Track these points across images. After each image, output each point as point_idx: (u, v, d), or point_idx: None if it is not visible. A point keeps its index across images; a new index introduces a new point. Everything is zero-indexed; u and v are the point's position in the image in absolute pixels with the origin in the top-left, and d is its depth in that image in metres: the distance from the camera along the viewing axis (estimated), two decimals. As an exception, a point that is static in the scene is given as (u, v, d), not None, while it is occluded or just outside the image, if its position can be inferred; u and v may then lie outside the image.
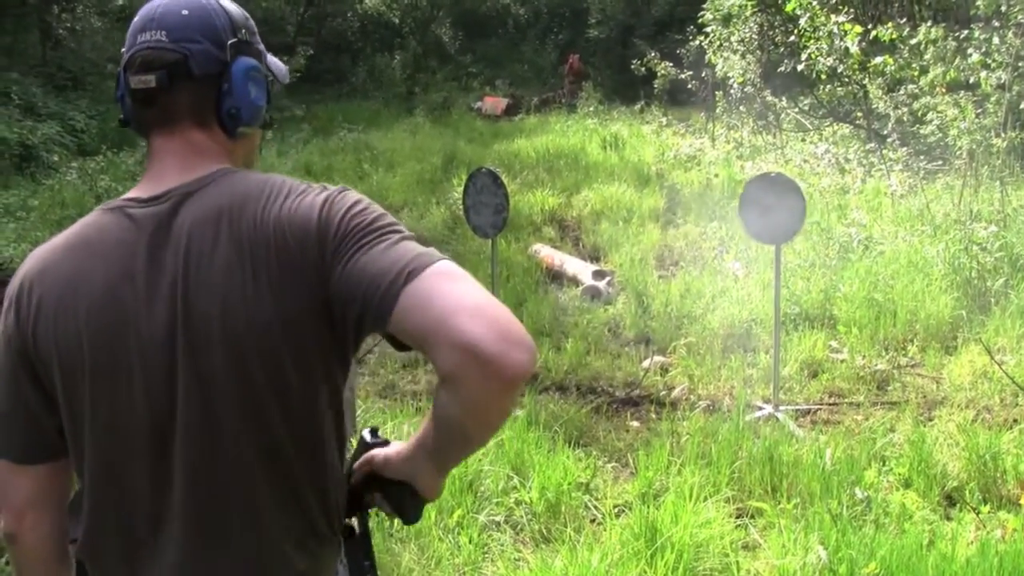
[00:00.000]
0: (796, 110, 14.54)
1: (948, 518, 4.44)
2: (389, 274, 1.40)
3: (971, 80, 9.55)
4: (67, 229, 1.64)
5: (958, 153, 9.42)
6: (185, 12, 1.60)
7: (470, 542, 4.15)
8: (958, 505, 4.52)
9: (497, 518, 4.45)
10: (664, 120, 18.03)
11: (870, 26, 11.05)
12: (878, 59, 10.37)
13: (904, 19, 11.88)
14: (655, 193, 11.92)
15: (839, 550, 3.88)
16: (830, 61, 10.82)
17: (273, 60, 1.77)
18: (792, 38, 12.26)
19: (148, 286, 1.52)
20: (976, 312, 6.92)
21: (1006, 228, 7.87)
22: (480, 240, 7.94)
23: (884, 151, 10.86)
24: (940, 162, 10.87)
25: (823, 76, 11.36)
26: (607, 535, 4.24)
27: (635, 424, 5.81)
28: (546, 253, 9.41)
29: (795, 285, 7.59)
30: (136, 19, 1.63)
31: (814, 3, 10.79)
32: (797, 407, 5.88)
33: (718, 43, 15.37)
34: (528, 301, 7.96)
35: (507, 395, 1.39)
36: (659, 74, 17.79)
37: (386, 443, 1.70)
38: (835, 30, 10.57)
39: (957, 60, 9.85)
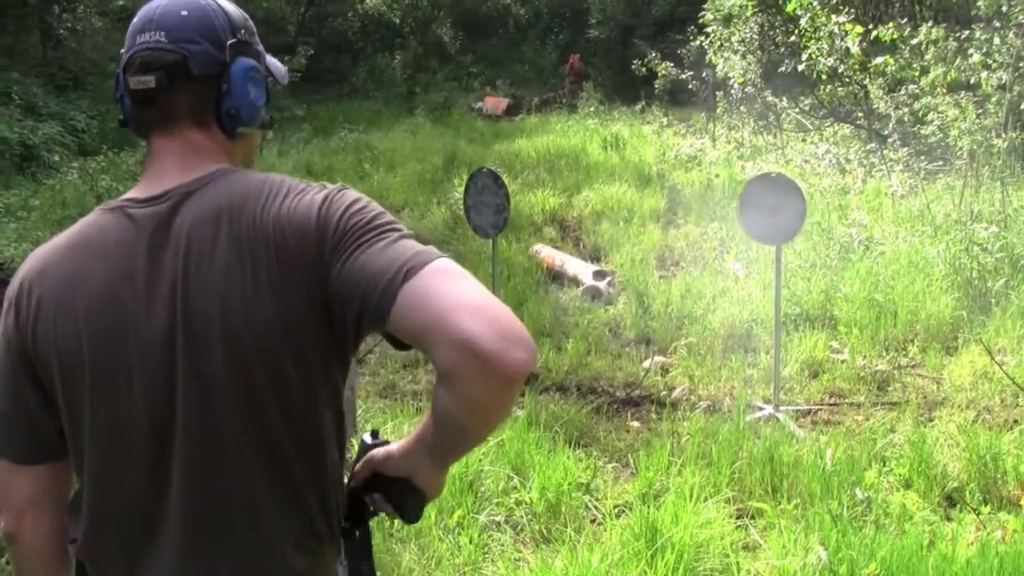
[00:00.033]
0: (797, 110, 14.53)
1: (948, 519, 4.43)
2: (387, 272, 1.41)
3: (972, 80, 9.55)
4: (67, 229, 1.64)
5: (959, 153, 9.42)
6: (184, 13, 1.60)
7: (470, 542, 4.15)
8: (958, 506, 4.52)
9: (497, 518, 4.45)
10: (665, 120, 18.02)
11: (871, 26, 11.05)
12: (879, 59, 10.37)
13: (905, 19, 11.88)
14: (656, 193, 11.92)
15: (839, 551, 3.88)
16: (831, 61, 10.82)
17: (272, 60, 1.77)
18: (793, 38, 12.26)
19: (147, 286, 1.52)
20: (977, 313, 6.92)
21: (1007, 228, 7.87)
22: (481, 240, 7.94)
23: (885, 151, 10.86)
24: (941, 162, 10.87)
25: (824, 76, 11.36)
26: (607, 535, 4.24)
27: (635, 424, 5.81)
28: (547, 253, 9.41)
29: (796, 285, 7.59)
30: (135, 20, 1.63)
31: (815, 3, 10.79)
32: (797, 407, 5.88)
33: (719, 43, 15.37)
34: (529, 301, 7.96)
35: (506, 393, 1.39)
36: (660, 74, 17.78)
37: (386, 444, 1.71)
38: (836, 30, 10.57)
39: (958, 60, 9.85)
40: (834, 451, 4.92)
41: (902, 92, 10.88)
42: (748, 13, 14.62)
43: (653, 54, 18.17)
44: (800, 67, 11.63)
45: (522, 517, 4.48)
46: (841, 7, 11.81)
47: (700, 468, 4.79)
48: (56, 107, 16.78)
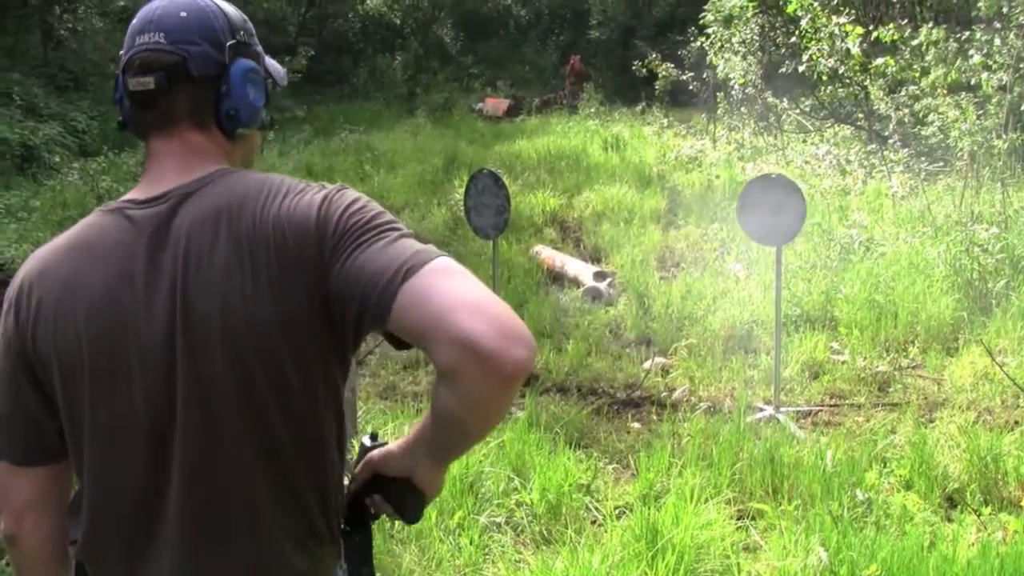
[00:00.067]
0: (797, 111, 14.53)
1: (949, 520, 4.43)
2: (387, 271, 1.41)
3: (972, 81, 9.55)
4: (67, 231, 1.64)
5: (959, 154, 9.42)
6: (183, 14, 1.60)
7: (471, 543, 4.15)
8: (959, 507, 4.52)
9: (498, 519, 4.45)
10: (665, 121, 18.02)
11: (871, 27, 11.06)
12: (879, 60, 10.38)
13: (905, 20, 11.88)
14: (656, 194, 11.92)
15: (840, 552, 3.88)
16: (831, 62, 10.82)
17: (271, 62, 1.77)
18: (793, 39, 12.27)
19: (147, 287, 1.52)
20: (977, 314, 6.91)
21: (1007, 230, 7.87)
22: (481, 241, 7.94)
23: (885, 152, 10.86)
24: (941, 163, 10.87)
25: (824, 77, 11.36)
26: (608, 537, 4.24)
27: (636, 425, 5.81)
28: (547, 254, 9.41)
29: (796, 286, 7.58)
30: (134, 21, 1.63)
31: (815, 4, 10.80)
32: (798, 408, 5.87)
33: (719, 44, 15.38)
34: (529, 302, 7.96)
35: (506, 391, 1.39)
36: (660, 75, 17.78)
37: (385, 445, 1.71)
38: (836, 31, 10.58)
39: (958, 61, 9.85)
40: (835, 452, 4.91)
41: (903, 93, 10.88)
42: (749, 14, 14.63)
43: (654, 55, 18.17)
44: (801, 68, 11.64)
45: (523, 518, 4.48)
46: (842, 8, 11.83)
47: (701, 469, 4.79)
48: (57, 108, 16.79)
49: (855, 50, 10.35)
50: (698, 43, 16.58)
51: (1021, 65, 9.21)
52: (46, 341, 1.56)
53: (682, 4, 25.11)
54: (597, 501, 4.68)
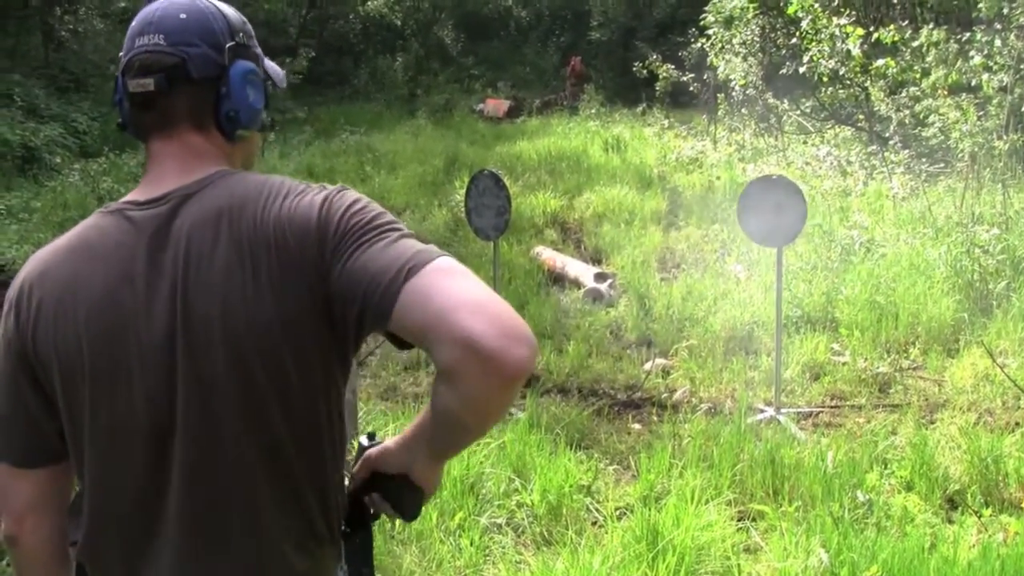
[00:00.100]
0: (798, 112, 14.52)
1: (950, 521, 4.43)
2: (389, 271, 1.41)
3: (973, 82, 9.54)
4: (67, 232, 1.65)
5: (960, 156, 9.41)
6: (183, 16, 1.60)
7: (471, 544, 4.15)
8: (960, 508, 4.52)
9: (498, 520, 4.45)
10: (666, 122, 18.01)
11: (872, 28, 11.05)
12: (880, 61, 10.37)
13: (906, 21, 11.88)
14: (657, 195, 11.92)
15: (840, 553, 3.88)
16: (832, 63, 10.82)
17: (270, 64, 1.77)
18: (794, 40, 12.27)
19: (147, 288, 1.52)
20: (978, 315, 6.91)
21: (1008, 231, 7.87)
22: (482, 242, 7.93)
23: (886, 153, 10.86)
24: (942, 165, 10.86)
25: (825, 78, 11.36)
26: (608, 538, 4.24)
27: (637, 426, 5.80)
28: (548, 255, 9.41)
29: (797, 288, 7.58)
30: (134, 23, 1.63)
31: (816, 5, 10.79)
32: (799, 410, 5.87)
33: (720, 45, 15.37)
34: (530, 303, 7.96)
35: (508, 390, 1.39)
36: (661, 76, 17.78)
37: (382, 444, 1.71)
38: (837, 32, 10.57)
39: (959, 62, 9.84)
40: (835, 453, 4.91)
41: (903, 94, 10.88)
42: (749, 15, 14.62)
43: (654, 56, 18.16)
44: (801, 69, 11.63)
45: (523, 519, 4.48)
46: (842, 9, 11.82)
47: (701, 470, 4.79)
48: (58, 109, 16.80)
49: (856, 51, 10.35)
50: (699, 44, 16.58)
51: (1022, 66, 9.21)
52: (46, 342, 1.56)
53: (683, 5, 25.13)
54: (598, 502, 4.68)
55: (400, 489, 1.65)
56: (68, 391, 1.56)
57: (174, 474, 1.53)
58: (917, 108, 10.50)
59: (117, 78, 1.65)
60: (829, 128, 14.32)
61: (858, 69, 10.73)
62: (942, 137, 10.10)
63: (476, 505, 4.49)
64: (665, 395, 6.23)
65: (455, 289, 1.38)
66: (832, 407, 5.93)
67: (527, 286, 8.49)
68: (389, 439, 1.68)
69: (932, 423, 5.53)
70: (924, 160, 10.65)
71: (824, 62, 10.88)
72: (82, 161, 13.83)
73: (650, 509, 4.29)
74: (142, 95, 1.60)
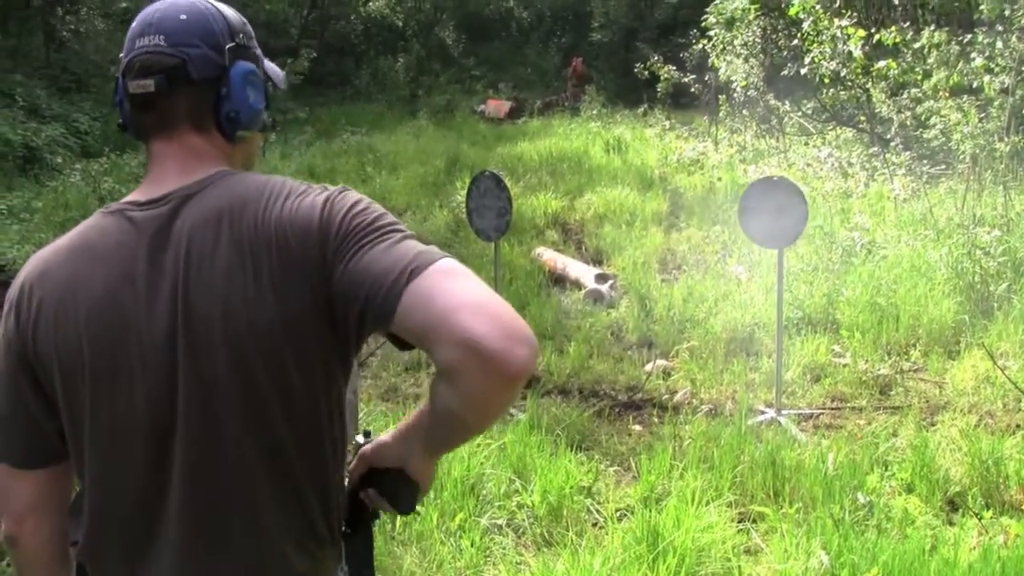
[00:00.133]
0: (799, 114, 14.52)
1: (950, 523, 4.43)
2: (392, 273, 1.41)
3: (974, 84, 9.53)
4: (67, 232, 1.65)
5: (961, 157, 9.40)
6: (183, 17, 1.61)
7: (472, 545, 4.15)
8: (960, 510, 4.52)
9: (499, 521, 4.45)
10: (667, 123, 18.00)
11: (873, 30, 11.03)
12: (881, 63, 10.37)
13: (907, 23, 11.87)
14: (658, 197, 11.92)
15: (841, 555, 3.88)
16: (833, 65, 10.81)
17: (270, 65, 1.77)
18: (795, 42, 12.26)
19: (148, 289, 1.52)
20: (979, 317, 6.91)
21: (1009, 232, 7.86)
22: (483, 243, 7.93)
23: (887, 155, 10.85)
24: (943, 166, 10.85)
25: (826, 80, 11.35)
26: (609, 539, 4.24)
27: (637, 428, 5.80)
28: (549, 256, 9.41)
29: (798, 289, 7.58)
30: (134, 24, 1.64)
31: (817, 7, 10.79)
32: (799, 411, 5.87)
33: (721, 47, 15.35)
34: (531, 304, 7.96)
35: (508, 390, 1.40)
36: (662, 77, 17.77)
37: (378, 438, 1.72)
38: (838, 34, 10.57)
39: (960, 64, 9.83)
40: (836, 455, 4.91)
41: (904, 96, 10.87)
42: (751, 17, 14.61)
43: (656, 57, 18.16)
44: (803, 71, 11.63)
45: (524, 520, 4.48)
46: (844, 11, 11.82)
47: (702, 472, 4.79)
48: (59, 109, 16.81)
49: (857, 53, 10.35)
50: (700, 45, 16.55)
51: (1023, 68, 9.20)
52: (47, 342, 1.56)
53: (684, 6, 25.12)
54: (598, 503, 4.68)
55: (396, 483, 1.66)
56: (68, 391, 1.56)
57: (175, 474, 1.54)
58: (918, 110, 10.50)
59: (117, 79, 1.65)
60: (830, 130, 14.32)
61: (859, 71, 10.72)
62: (943, 139, 10.09)
63: (477, 506, 4.49)
64: (666, 396, 6.22)
65: (458, 290, 1.39)
66: (833, 409, 5.93)
67: (528, 287, 8.49)
68: (384, 433, 1.69)
69: (933, 425, 5.53)
70: (925, 162, 10.64)
71: (825, 64, 10.88)
72: (83, 161, 13.84)
73: (651, 510, 4.29)
74: (142, 96, 1.60)
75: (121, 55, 1.64)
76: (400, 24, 32.40)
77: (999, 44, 9.32)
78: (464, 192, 7.30)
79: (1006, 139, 8.95)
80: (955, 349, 6.62)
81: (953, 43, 10.11)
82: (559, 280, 8.97)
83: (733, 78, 14.71)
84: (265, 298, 1.48)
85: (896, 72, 10.31)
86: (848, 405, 5.95)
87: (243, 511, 1.55)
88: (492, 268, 6.71)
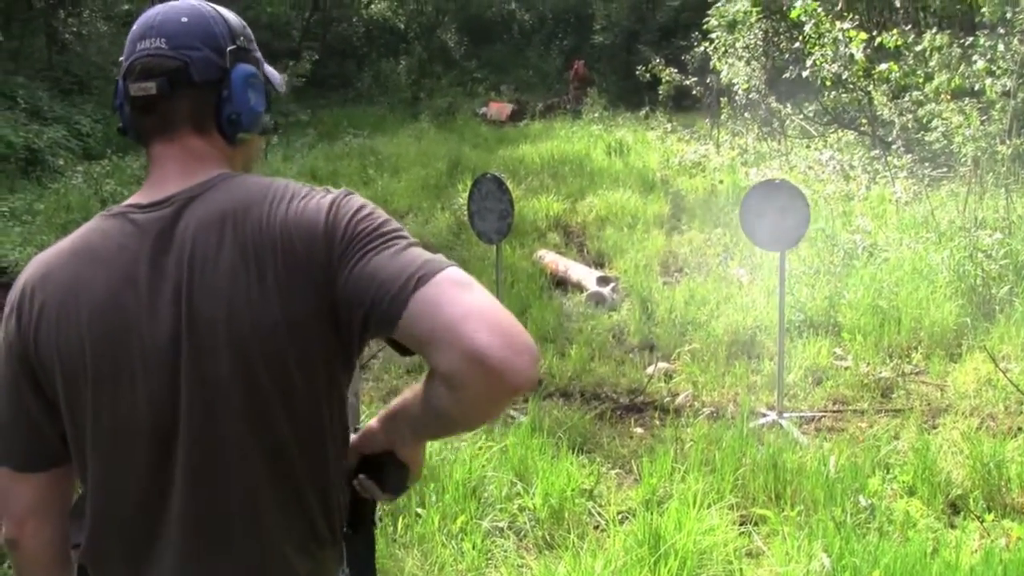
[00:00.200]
0: (801, 116, 14.52)
1: (952, 526, 4.42)
2: (399, 279, 1.42)
3: (976, 87, 9.53)
4: (69, 235, 1.65)
5: (963, 160, 9.40)
6: (184, 19, 1.61)
7: (473, 548, 4.15)
8: (962, 513, 4.51)
9: (500, 524, 4.45)
10: (669, 126, 18.02)
11: (875, 33, 11.03)
12: (883, 66, 10.36)
13: (909, 26, 11.87)
14: (660, 199, 11.92)
15: (843, 558, 3.88)
16: (835, 68, 10.80)
17: (269, 68, 1.78)
18: (797, 44, 12.24)
19: (151, 291, 1.53)
20: (981, 319, 6.91)
21: (1011, 235, 7.86)
22: (485, 246, 7.94)
23: (889, 158, 10.85)
24: (945, 169, 10.86)
25: (828, 83, 11.35)
26: (611, 542, 4.23)
27: (639, 430, 5.80)
28: (551, 259, 9.41)
29: (800, 292, 7.58)
30: (135, 27, 1.64)
31: (819, 10, 10.78)
32: (801, 414, 5.87)
33: (723, 49, 15.37)
34: (532, 307, 7.96)
35: (507, 400, 1.43)
36: (664, 80, 17.80)
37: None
38: (840, 37, 10.56)
39: (962, 67, 9.83)
40: (838, 458, 4.91)
41: (906, 99, 10.86)
42: (752, 19, 14.62)
43: (657, 60, 18.20)
44: (804, 73, 11.62)
45: (525, 523, 4.48)
46: (845, 14, 11.80)
47: (703, 475, 4.79)
48: (61, 111, 16.83)
49: (859, 55, 10.34)
50: (702, 48, 16.58)
51: (1025, 70, 9.21)
52: (48, 345, 1.56)
53: (686, 9, 25.14)
54: (600, 506, 4.68)
55: (385, 466, 1.67)
56: (70, 394, 1.56)
57: (177, 476, 1.54)
58: (920, 112, 10.50)
59: (118, 82, 1.65)
60: (832, 132, 14.33)
61: (861, 73, 10.72)
62: (945, 141, 10.10)
63: (478, 509, 4.49)
64: (667, 399, 6.22)
65: (464, 300, 1.39)
66: (834, 411, 5.93)
67: (529, 290, 8.49)
68: (372, 420, 1.70)
69: (934, 428, 5.52)
70: (927, 164, 10.64)
71: (827, 66, 10.87)
72: (85, 163, 13.87)
73: (652, 513, 4.28)
74: (143, 99, 1.60)
75: (121, 58, 1.64)
76: (402, 26, 32.45)
77: (1001, 47, 9.32)
78: (466, 194, 7.30)
79: (1008, 142, 8.94)
80: (957, 352, 6.61)
81: (955, 46, 10.11)
82: (561, 283, 8.97)
83: (735, 81, 14.73)
84: (269, 300, 1.49)
85: (898, 75, 10.31)
86: (850, 408, 5.95)
87: (244, 512, 1.55)
88: (494, 271, 6.71)
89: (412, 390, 1.56)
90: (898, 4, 13.23)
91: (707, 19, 15.98)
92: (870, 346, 6.69)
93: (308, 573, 1.62)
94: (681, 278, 8.90)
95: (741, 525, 4.46)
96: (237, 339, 1.49)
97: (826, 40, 10.71)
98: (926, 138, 10.95)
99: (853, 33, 10.46)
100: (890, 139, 11.23)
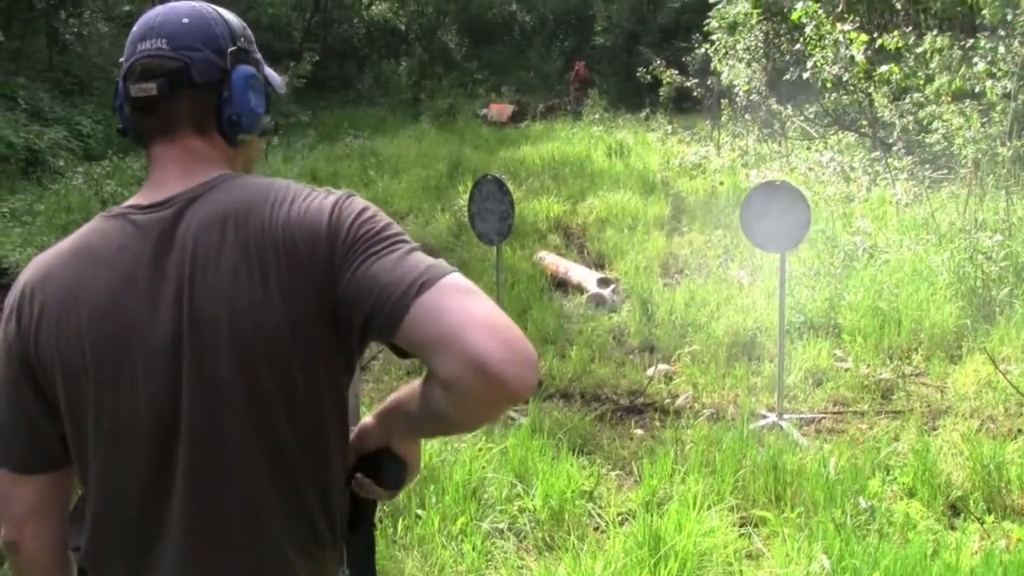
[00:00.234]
0: (801, 118, 14.52)
1: (952, 528, 4.43)
2: (402, 284, 1.42)
3: (976, 89, 9.54)
4: (68, 236, 1.65)
5: (963, 162, 9.40)
6: (185, 20, 1.61)
7: (473, 549, 4.15)
8: (962, 515, 4.51)
9: (501, 526, 4.45)
10: (669, 128, 18.01)
11: (876, 35, 11.04)
12: (884, 68, 10.37)
13: (910, 28, 11.87)
14: (660, 201, 11.92)
15: (843, 559, 3.88)
16: (836, 69, 10.81)
17: (269, 70, 1.78)
18: (798, 46, 12.25)
19: (152, 292, 1.53)
20: (981, 321, 6.91)
21: (1011, 237, 7.86)
22: (485, 247, 7.94)
23: (889, 160, 10.85)
24: (945, 171, 10.85)
25: (828, 84, 11.35)
26: (611, 543, 4.23)
27: (639, 432, 5.80)
28: (551, 260, 9.41)
29: (800, 293, 7.58)
30: (135, 28, 1.64)
31: (820, 11, 10.79)
32: (801, 416, 5.87)
33: (723, 51, 15.38)
34: (533, 308, 7.96)
35: (506, 406, 1.45)
36: (664, 82, 17.79)
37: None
38: (841, 38, 10.57)
39: (963, 69, 9.84)
40: (838, 460, 4.91)
41: (907, 100, 10.87)
42: (753, 21, 14.63)
43: (658, 61, 18.19)
44: (805, 75, 11.62)
45: (525, 524, 4.48)
46: (846, 15, 11.82)
47: (704, 476, 4.79)
48: (62, 112, 16.83)
49: (859, 57, 10.35)
50: (702, 50, 16.59)
51: (1025, 72, 9.21)
52: (49, 346, 1.56)
53: (687, 11, 25.13)
54: (600, 508, 4.68)
55: (381, 462, 1.68)
56: (71, 395, 1.56)
57: (178, 477, 1.54)
58: (921, 114, 10.51)
59: (118, 83, 1.65)
60: (832, 134, 14.32)
61: (862, 75, 10.72)
62: (945, 143, 10.10)
63: (478, 510, 4.49)
64: (668, 401, 6.22)
65: (467, 307, 1.40)
66: (835, 413, 5.93)
67: (530, 291, 8.49)
68: (367, 418, 1.70)
69: (934, 429, 5.52)
70: (927, 166, 10.64)
71: (828, 68, 10.87)
72: (86, 164, 13.86)
73: (652, 515, 4.29)
74: (144, 99, 1.60)
75: (122, 59, 1.64)
76: (403, 28, 32.45)
77: (1001, 49, 9.33)
78: (466, 196, 7.30)
79: (1008, 143, 8.94)
80: (957, 353, 6.61)
81: (955, 48, 10.11)
82: (561, 284, 8.97)
83: (735, 82, 14.73)
84: (272, 301, 1.49)
85: (898, 77, 10.31)
86: (850, 409, 5.95)
87: (245, 513, 1.55)
88: (494, 272, 6.72)
89: (409, 388, 1.56)
90: (899, 6, 13.23)
91: (708, 21, 15.99)
92: (870, 348, 6.69)
93: (308, 574, 1.62)
94: (681, 280, 8.90)
95: (741, 527, 4.46)
96: (239, 340, 1.49)
97: (827, 42, 10.71)
98: (926, 140, 10.95)
99: (854, 35, 10.46)
100: (891, 141, 11.23)
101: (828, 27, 10.75)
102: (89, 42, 21.72)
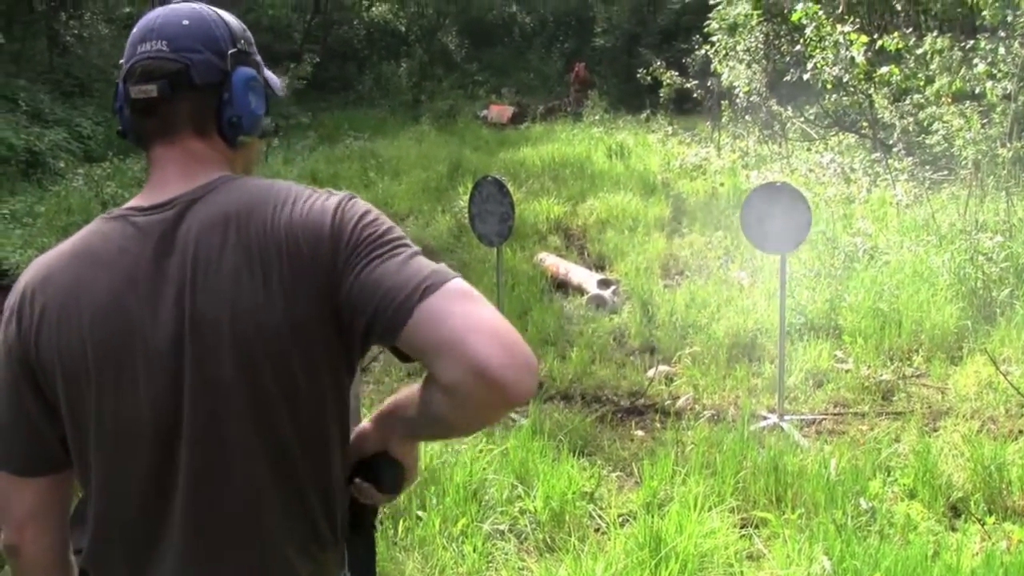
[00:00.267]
0: (802, 119, 14.52)
1: (953, 529, 4.42)
2: (405, 288, 1.42)
3: (977, 90, 9.54)
4: (69, 238, 1.65)
5: (964, 163, 9.40)
6: (185, 22, 1.61)
7: (474, 551, 4.15)
8: (963, 516, 4.51)
9: (501, 527, 4.45)
10: (670, 129, 18.01)
11: (876, 36, 11.04)
12: (884, 69, 10.36)
13: (910, 29, 11.87)
14: (660, 202, 11.92)
15: (843, 560, 3.88)
16: (836, 71, 10.80)
17: (268, 73, 1.78)
18: (798, 47, 12.26)
19: (153, 294, 1.53)
20: (981, 322, 6.90)
21: (1012, 238, 7.86)
22: (485, 248, 7.93)
23: (890, 161, 10.85)
24: (946, 172, 10.85)
25: (829, 86, 11.35)
26: (611, 545, 4.23)
27: (640, 433, 5.80)
28: (551, 262, 9.41)
29: (800, 295, 7.58)
30: (135, 30, 1.64)
31: (820, 13, 10.79)
32: (802, 417, 5.87)
33: (724, 52, 15.38)
34: (533, 310, 7.95)
35: (505, 411, 1.46)
36: (665, 83, 17.78)
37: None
38: (841, 40, 10.57)
39: (963, 70, 9.83)
40: (838, 461, 4.91)
41: (907, 102, 10.87)
42: (753, 22, 14.63)
43: (658, 63, 18.17)
44: (805, 76, 11.62)
45: (526, 526, 4.48)
46: (846, 17, 11.82)
47: (704, 477, 4.79)
48: (62, 113, 16.84)
49: (860, 59, 10.34)
50: (703, 51, 16.58)
51: (1026, 74, 9.21)
52: (49, 348, 1.56)
53: (687, 12, 25.12)
54: (600, 509, 4.68)
55: (379, 465, 1.67)
56: (72, 397, 1.56)
57: (179, 478, 1.54)
58: (921, 115, 10.51)
59: (118, 85, 1.65)
60: (833, 135, 14.31)
61: (862, 76, 10.71)
62: (946, 145, 10.09)
63: (479, 511, 4.49)
64: (668, 402, 6.22)
65: (469, 313, 1.41)
66: (835, 414, 5.93)
67: (530, 292, 8.48)
68: (364, 421, 1.70)
69: (935, 431, 5.52)
70: (928, 167, 10.64)
71: (828, 69, 10.87)
72: (86, 166, 13.86)
73: (653, 516, 4.29)
74: (144, 101, 1.60)
75: (122, 61, 1.64)
76: (403, 29, 32.45)
77: (1001, 50, 9.33)
78: (466, 197, 7.30)
79: (1008, 145, 8.94)
80: (958, 355, 6.61)
81: (955, 49, 10.11)
82: (561, 286, 8.97)
83: (736, 84, 14.72)
84: (274, 302, 1.49)
85: (899, 78, 10.31)
86: (850, 411, 5.95)
87: (247, 513, 1.55)
88: (494, 273, 6.71)
89: (407, 392, 1.57)
90: (899, 7, 13.24)
91: (708, 22, 15.99)
92: (871, 349, 6.69)
93: (309, 575, 1.62)
94: (682, 281, 8.90)
95: (742, 528, 4.46)
96: (240, 341, 1.49)
97: (827, 43, 10.71)
98: (927, 141, 10.95)
99: (854, 36, 10.46)
100: (891, 142, 11.23)
101: (828, 28, 10.75)
102: (89, 44, 21.72)
